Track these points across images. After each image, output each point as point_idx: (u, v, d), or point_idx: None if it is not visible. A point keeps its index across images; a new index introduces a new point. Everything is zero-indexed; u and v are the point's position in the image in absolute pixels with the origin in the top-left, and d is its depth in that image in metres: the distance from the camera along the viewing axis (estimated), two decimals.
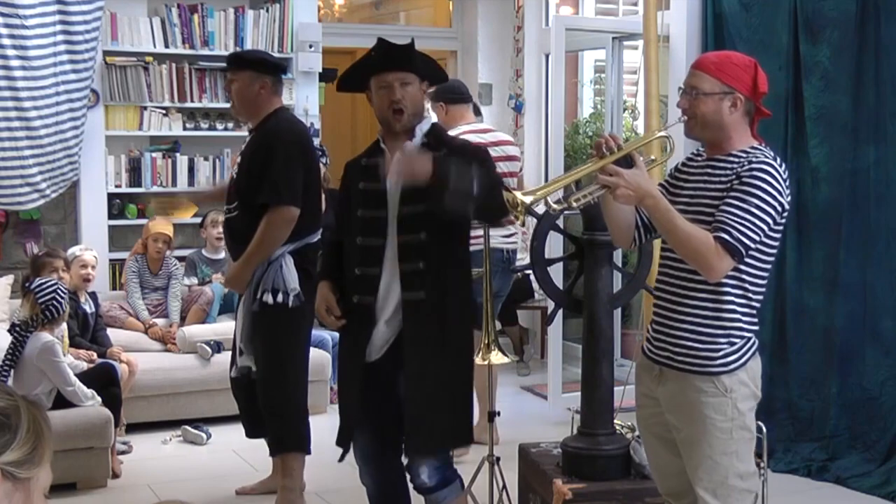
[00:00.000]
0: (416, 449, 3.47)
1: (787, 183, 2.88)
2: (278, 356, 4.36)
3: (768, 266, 2.95)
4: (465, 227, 3.56)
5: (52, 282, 4.97)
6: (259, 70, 4.39)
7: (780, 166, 2.88)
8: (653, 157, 3.30)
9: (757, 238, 2.82)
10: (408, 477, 3.59)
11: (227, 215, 4.50)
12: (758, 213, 2.80)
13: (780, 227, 2.91)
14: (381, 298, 3.44)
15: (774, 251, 2.95)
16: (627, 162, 2.82)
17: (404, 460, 3.57)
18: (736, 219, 2.79)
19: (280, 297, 4.24)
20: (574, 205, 2.83)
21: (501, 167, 4.83)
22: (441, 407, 3.43)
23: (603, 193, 2.82)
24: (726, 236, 2.77)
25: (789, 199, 2.89)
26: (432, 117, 3.51)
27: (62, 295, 4.89)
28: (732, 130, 2.93)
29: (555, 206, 2.94)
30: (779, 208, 2.84)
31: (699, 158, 3.07)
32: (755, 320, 2.97)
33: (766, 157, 2.88)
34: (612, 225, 3.10)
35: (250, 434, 4.70)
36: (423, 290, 3.39)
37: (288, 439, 4.41)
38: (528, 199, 2.78)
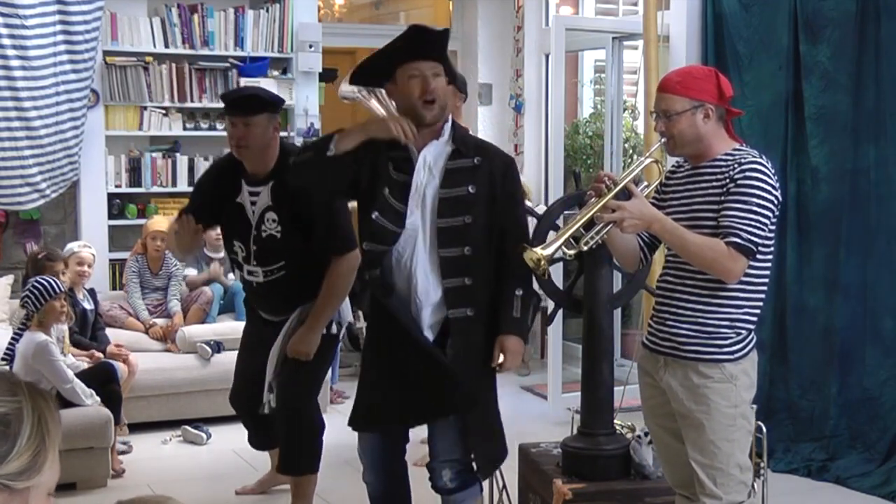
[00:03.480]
0: (486, 460, 3.48)
1: (777, 178, 3.01)
2: (310, 381, 4.23)
3: (768, 258, 3.06)
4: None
5: (38, 278, 4.97)
6: (273, 111, 4.07)
7: (767, 163, 3.01)
8: (646, 184, 3.39)
9: (763, 233, 2.93)
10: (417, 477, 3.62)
11: (266, 279, 4.09)
12: (759, 210, 2.92)
13: (776, 220, 3.04)
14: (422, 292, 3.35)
15: (772, 244, 3.06)
16: (625, 194, 2.93)
17: (412, 460, 3.58)
18: (741, 220, 2.91)
19: (334, 329, 4.16)
20: (584, 248, 2.97)
21: None
22: (483, 423, 3.45)
23: (610, 229, 2.95)
24: (737, 239, 2.90)
25: (779, 192, 3.01)
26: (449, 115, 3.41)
27: (38, 288, 4.86)
28: (711, 139, 3.05)
29: (570, 252, 3.02)
30: (775, 202, 2.97)
31: (683, 168, 3.19)
32: (757, 313, 3.07)
33: (753, 156, 3.01)
34: (618, 254, 3.25)
35: (260, 447, 4.63)
36: (472, 307, 3.32)
37: (305, 462, 4.30)
38: (547, 252, 2.89)
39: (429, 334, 3.35)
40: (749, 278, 2.99)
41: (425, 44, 3.30)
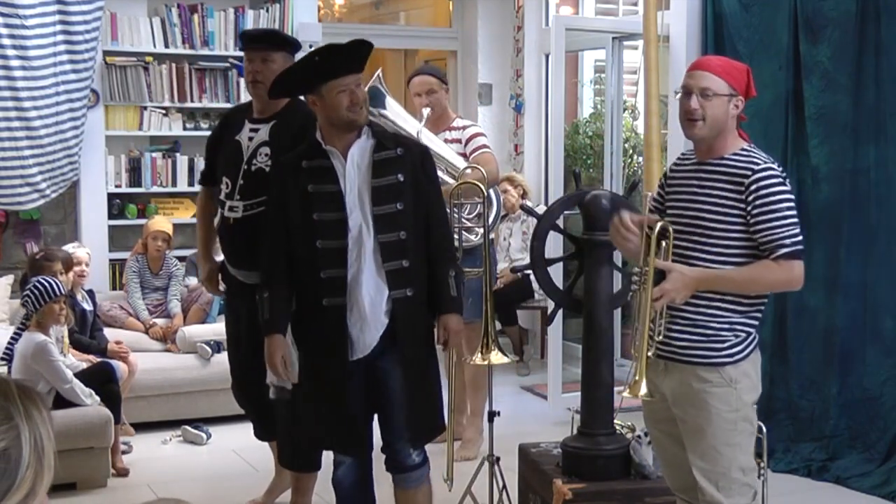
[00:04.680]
0: (417, 435, 3.63)
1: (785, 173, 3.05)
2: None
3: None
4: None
5: (40, 278, 4.97)
6: (291, 52, 4.16)
7: (774, 162, 3.02)
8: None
9: (798, 231, 2.96)
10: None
11: (245, 213, 4.08)
12: (788, 213, 2.95)
13: None
14: (364, 297, 3.49)
15: None
16: (660, 272, 2.97)
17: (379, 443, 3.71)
18: (780, 230, 2.93)
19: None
20: (658, 343, 3.03)
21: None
22: (433, 395, 3.63)
23: (662, 320, 3.00)
24: (784, 250, 2.93)
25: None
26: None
27: (38, 289, 4.86)
28: (728, 132, 3.04)
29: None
30: (794, 199, 3.00)
31: (688, 161, 3.15)
32: (759, 315, 3.07)
33: (763, 160, 3.00)
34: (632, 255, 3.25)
35: (265, 437, 4.54)
36: (408, 288, 3.52)
37: (312, 456, 4.23)
38: (643, 392, 2.98)
39: (385, 319, 3.52)
40: None
41: (346, 62, 3.48)
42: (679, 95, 3.04)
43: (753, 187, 2.93)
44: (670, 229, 3.02)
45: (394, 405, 3.57)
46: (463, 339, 3.85)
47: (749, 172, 2.95)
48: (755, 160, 2.98)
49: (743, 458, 3.04)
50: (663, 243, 2.99)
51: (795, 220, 2.96)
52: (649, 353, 2.99)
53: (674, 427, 3.12)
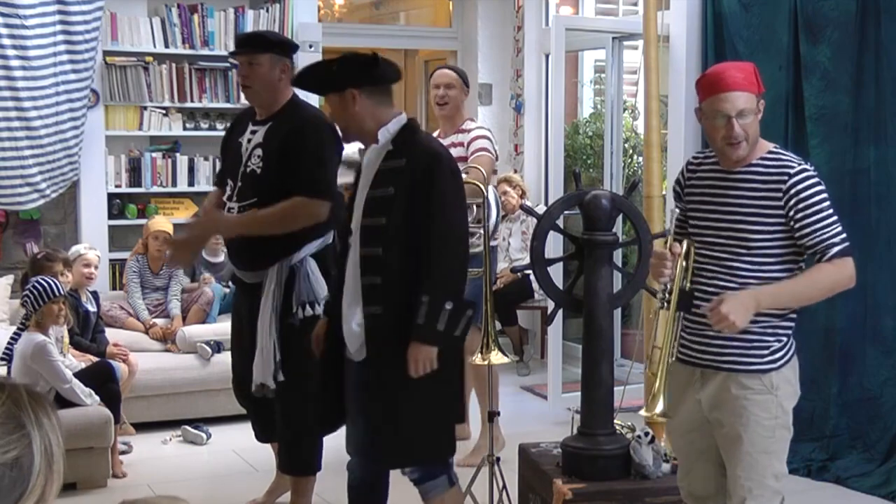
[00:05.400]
0: (376, 456, 3.53)
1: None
2: (304, 370, 4.06)
3: (803, 262, 3.02)
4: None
5: (39, 278, 4.97)
6: (280, 53, 4.11)
7: (804, 161, 3.02)
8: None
9: (841, 227, 2.93)
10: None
11: (239, 212, 4.10)
12: (829, 210, 2.93)
13: None
14: (343, 306, 3.48)
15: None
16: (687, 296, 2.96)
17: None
18: (827, 229, 2.90)
19: (317, 309, 4.01)
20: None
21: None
22: (406, 421, 3.42)
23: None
24: (835, 249, 2.90)
25: None
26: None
27: (37, 289, 4.86)
28: (757, 138, 2.99)
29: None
30: (828, 194, 2.97)
31: (708, 166, 3.08)
32: (795, 317, 3.03)
33: (796, 162, 2.97)
34: None
35: (263, 438, 4.54)
36: (379, 306, 3.37)
37: (310, 460, 4.27)
38: (659, 409, 2.94)
39: (358, 330, 3.42)
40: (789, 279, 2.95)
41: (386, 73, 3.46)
42: (715, 119, 2.91)
43: (793, 191, 2.89)
44: (692, 249, 3.01)
45: (357, 417, 3.53)
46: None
47: (786, 177, 2.91)
48: (788, 163, 2.94)
49: (777, 465, 3.00)
50: (682, 262, 2.98)
51: (836, 216, 2.93)
52: (670, 359, 2.97)
53: (700, 439, 3.08)
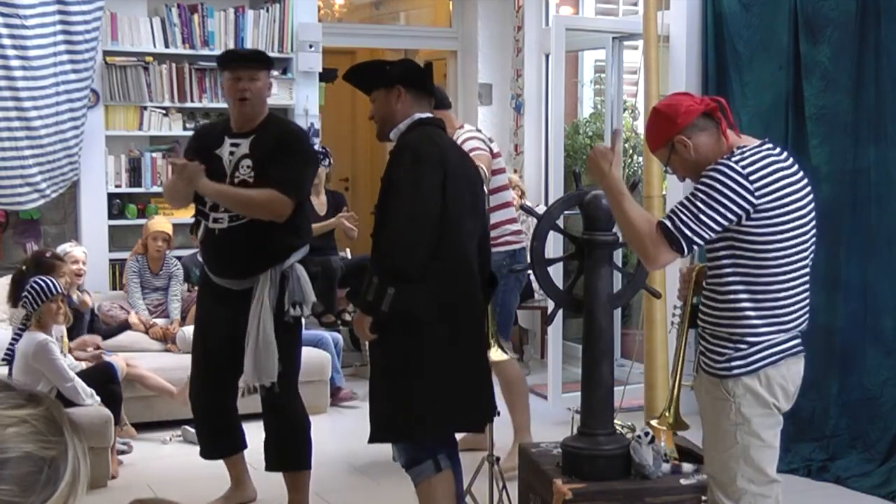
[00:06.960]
0: (373, 429, 3.67)
1: (752, 178, 2.81)
2: (294, 368, 4.37)
3: (782, 270, 2.90)
4: None
5: (37, 278, 4.97)
6: (271, 70, 4.45)
7: (739, 164, 2.83)
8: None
9: (703, 233, 2.80)
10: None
11: (230, 223, 4.21)
12: (704, 207, 2.79)
13: (769, 226, 2.85)
14: None
15: (784, 253, 2.89)
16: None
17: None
18: (681, 210, 2.82)
19: (305, 310, 4.30)
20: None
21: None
22: (388, 397, 3.62)
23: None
24: (668, 223, 2.82)
25: (759, 196, 2.82)
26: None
27: (35, 289, 4.87)
28: (710, 156, 2.93)
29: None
30: (734, 205, 2.79)
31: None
32: (778, 328, 2.93)
33: (728, 158, 2.86)
34: None
35: (215, 454, 4.61)
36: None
37: (304, 454, 4.38)
38: (668, 422, 3.09)
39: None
40: (756, 289, 2.87)
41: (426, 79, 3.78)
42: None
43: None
44: (705, 271, 3.07)
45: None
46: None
47: None
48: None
49: (749, 470, 2.99)
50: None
51: (704, 219, 2.78)
52: (685, 384, 3.05)
53: None
